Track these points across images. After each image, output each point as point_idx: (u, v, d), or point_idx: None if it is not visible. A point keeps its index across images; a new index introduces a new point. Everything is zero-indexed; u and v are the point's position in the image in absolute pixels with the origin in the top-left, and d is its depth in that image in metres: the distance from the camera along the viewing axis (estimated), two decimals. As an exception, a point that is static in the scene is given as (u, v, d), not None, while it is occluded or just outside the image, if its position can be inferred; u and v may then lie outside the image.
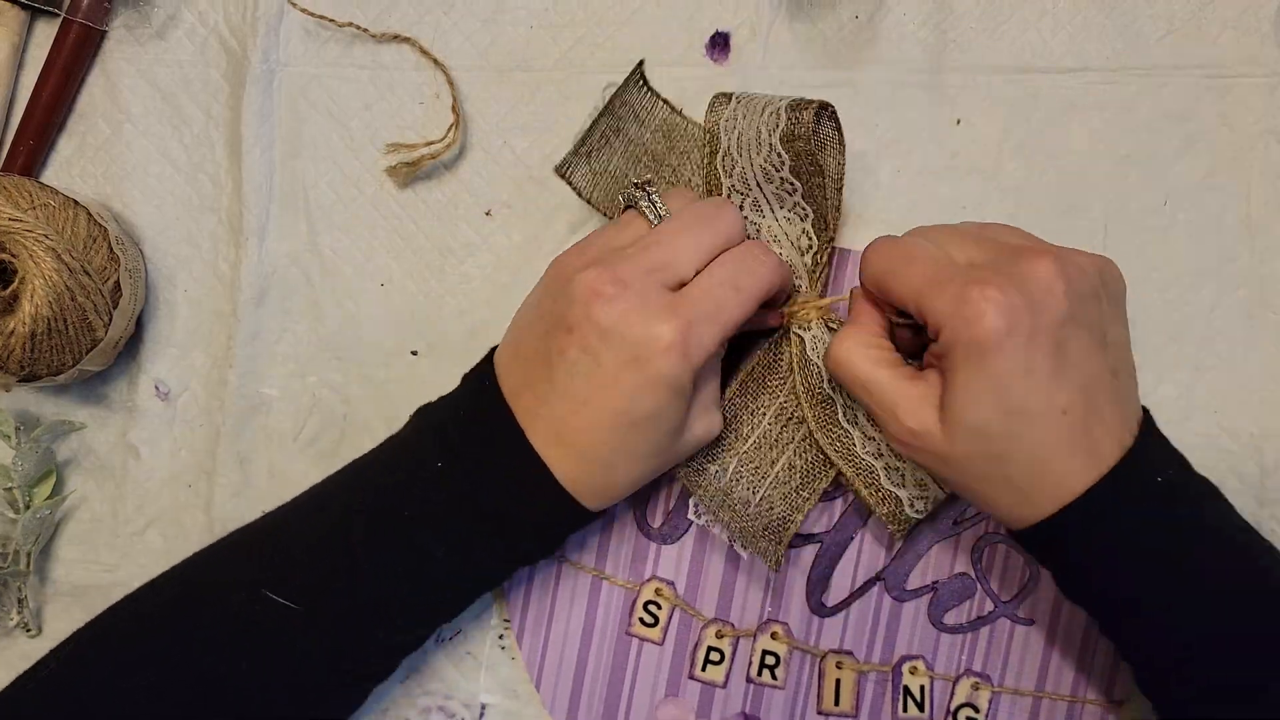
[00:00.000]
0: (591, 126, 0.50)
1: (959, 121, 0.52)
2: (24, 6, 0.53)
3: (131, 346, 0.54)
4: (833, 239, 0.48)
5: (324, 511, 0.45)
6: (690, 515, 0.49)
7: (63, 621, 0.54)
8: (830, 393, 0.48)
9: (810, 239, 0.48)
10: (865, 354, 0.43)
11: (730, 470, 0.48)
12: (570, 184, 0.50)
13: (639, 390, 0.41)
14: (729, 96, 0.47)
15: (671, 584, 0.51)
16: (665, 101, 0.51)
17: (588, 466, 0.43)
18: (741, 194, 0.47)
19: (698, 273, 0.43)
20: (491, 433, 0.44)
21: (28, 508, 0.52)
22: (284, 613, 0.43)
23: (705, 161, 0.47)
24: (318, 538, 0.44)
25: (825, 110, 0.46)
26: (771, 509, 0.48)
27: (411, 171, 0.52)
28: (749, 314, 0.44)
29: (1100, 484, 0.39)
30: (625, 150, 0.51)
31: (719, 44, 0.52)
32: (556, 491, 0.43)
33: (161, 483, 0.54)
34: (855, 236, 0.51)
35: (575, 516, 0.44)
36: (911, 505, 0.47)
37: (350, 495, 0.45)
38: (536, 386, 0.43)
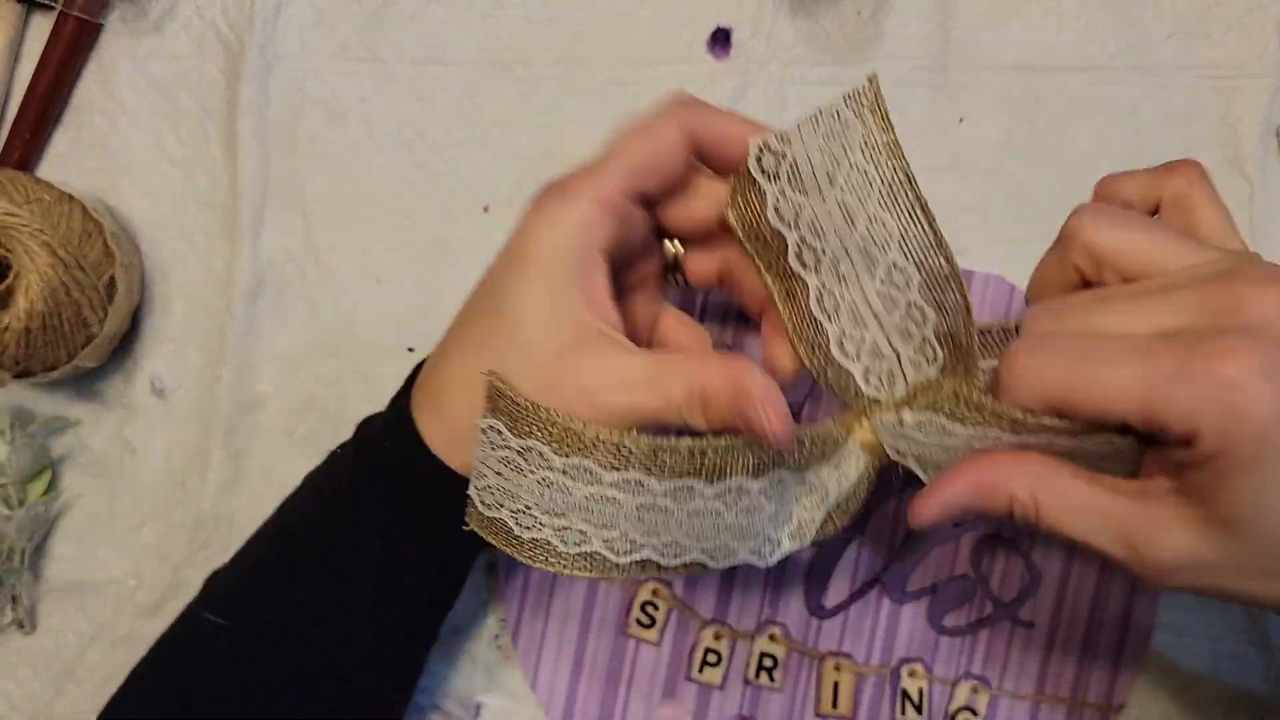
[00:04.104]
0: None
1: (962, 120, 0.51)
2: (20, -1, 0.53)
3: (127, 342, 0.53)
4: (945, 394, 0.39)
5: (263, 530, 0.44)
6: None
7: (57, 619, 0.54)
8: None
9: (907, 375, 0.40)
10: (1072, 484, 0.33)
11: None
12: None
13: (495, 266, 0.39)
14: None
15: (669, 584, 0.51)
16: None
17: (434, 393, 0.39)
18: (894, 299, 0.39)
19: None
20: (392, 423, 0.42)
21: (22, 504, 0.52)
22: (215, 630, 0.41)
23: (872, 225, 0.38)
24: (250, 554, 0.43)
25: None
26: None
27: None
28: (623, 178, 0.38)
29: None
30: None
31: (720, 40, 0.52)
32: (419, 449, 0.39)
33: (156, 479, 0.54)
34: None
35: (440, 476, 0.39)
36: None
37: (285, 514, 0.44)
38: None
